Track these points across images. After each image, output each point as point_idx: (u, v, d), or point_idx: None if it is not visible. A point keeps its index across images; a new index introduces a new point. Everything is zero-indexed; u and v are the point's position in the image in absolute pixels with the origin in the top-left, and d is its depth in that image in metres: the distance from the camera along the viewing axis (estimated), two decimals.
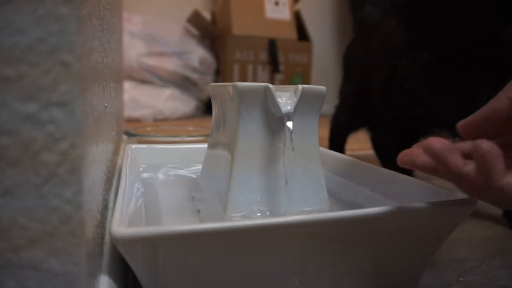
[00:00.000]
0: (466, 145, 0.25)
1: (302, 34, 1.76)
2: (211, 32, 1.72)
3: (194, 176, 0.46)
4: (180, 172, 0.47)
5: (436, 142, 0.23)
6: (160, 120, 1.43)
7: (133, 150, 0.47)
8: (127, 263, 0.22)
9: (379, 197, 0.37)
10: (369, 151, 0.81)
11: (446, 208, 0.27)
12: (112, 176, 0.38)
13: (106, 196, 0.31)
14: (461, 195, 0.29)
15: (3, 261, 0.17)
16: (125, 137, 0.72)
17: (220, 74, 1.69)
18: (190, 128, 0.87)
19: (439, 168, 0.23)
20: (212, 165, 0.38)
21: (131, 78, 1.46)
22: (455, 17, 0.42)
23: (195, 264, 0.23)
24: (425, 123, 0.53)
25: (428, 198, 0.29)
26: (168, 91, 1.49)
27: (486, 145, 0.20)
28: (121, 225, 0.22)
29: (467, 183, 0.22)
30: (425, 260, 0.30)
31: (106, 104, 0.32)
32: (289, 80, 1.72)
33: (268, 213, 0.32)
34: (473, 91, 0.43)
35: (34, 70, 0.16)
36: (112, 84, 0.40)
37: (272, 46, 1.67)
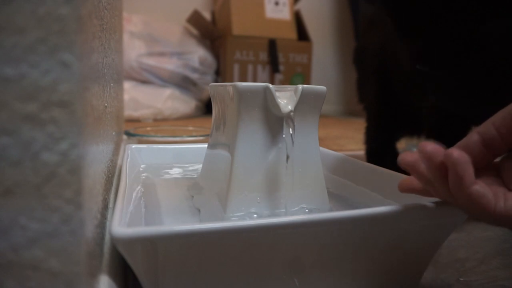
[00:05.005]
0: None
1: (302, 34, 1.76)
2: (211, 32, 1.72)
3: (194, 176, 0.46)
4: (180, 172, 0.47)
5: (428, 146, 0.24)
6: (160, 120, 1.43)
7: (133, 150, 0.47)
8: (127, 263, 0.22)
9: (379, 197, 0.37)
10: None
11: (446, 208, 0.27)
12: (112, 176, 0.38)
13: (106, 196, 0.31)
14: None
15: (3, 261, 0.17)
16: (125, 137, 0.72)
17: (220, 74, 1.69)
18: (190, 128, 0.87)
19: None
20: (212, 165, 0.38)
21: (131, 78, 1.46)
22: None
23: (195, 264, 0.23)
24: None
25: (428, 198, 0.29)
26: (168, 91, 1.49)
27: (457, 153, 0.22)
28: (121, 225, 0.22)
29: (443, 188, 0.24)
30: (425, 260, 0.30)
31: (106, 104, 0.32)
32: (289, 80, 1.72)
33: (268, 213, 0.32)
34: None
35: (34, 70, 0.16)
36: (112, 84, 0.39)
37: (272, 46, 1.67)
